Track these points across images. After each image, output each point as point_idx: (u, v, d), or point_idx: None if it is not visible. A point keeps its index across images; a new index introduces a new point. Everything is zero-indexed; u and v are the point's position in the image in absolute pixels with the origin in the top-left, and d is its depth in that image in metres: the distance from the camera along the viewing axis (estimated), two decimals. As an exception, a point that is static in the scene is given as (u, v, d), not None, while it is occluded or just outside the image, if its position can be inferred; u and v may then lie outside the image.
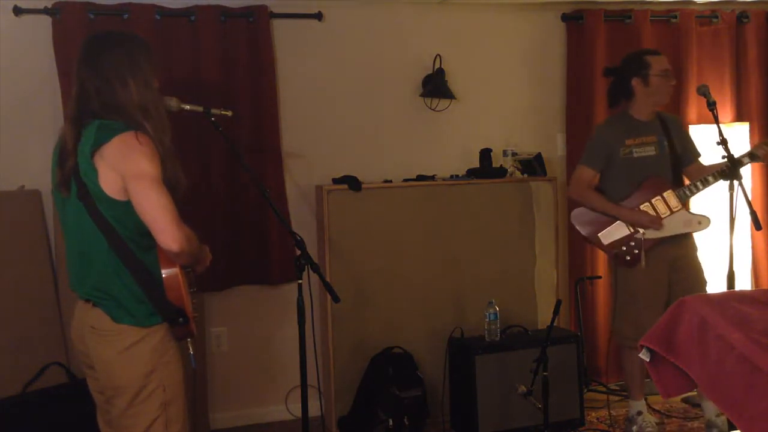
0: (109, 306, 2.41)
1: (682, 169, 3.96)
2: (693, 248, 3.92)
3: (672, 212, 3.82)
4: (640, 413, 3.98)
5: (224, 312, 4.37)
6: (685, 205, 3.85)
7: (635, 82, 3.85)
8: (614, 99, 4.00)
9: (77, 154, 2.37)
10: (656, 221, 3.80)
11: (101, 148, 2.34)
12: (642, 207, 3.84)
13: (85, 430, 2.73)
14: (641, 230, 3.83)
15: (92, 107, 2.43)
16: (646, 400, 4.07)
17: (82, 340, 2.51)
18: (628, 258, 3.87)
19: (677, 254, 3.85)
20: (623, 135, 3.88)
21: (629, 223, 3.86)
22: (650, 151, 3.86)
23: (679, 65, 4.79)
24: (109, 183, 2.35)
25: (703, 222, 3.83)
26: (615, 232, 3.91)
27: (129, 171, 2.34)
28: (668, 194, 3.81)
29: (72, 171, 2.39)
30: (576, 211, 4.06)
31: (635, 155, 3.86)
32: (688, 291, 3.52)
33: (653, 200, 3.83)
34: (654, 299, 3.81)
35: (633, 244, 3.86)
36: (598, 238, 3.95)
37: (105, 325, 2.42)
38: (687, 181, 3.93)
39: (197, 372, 3.96)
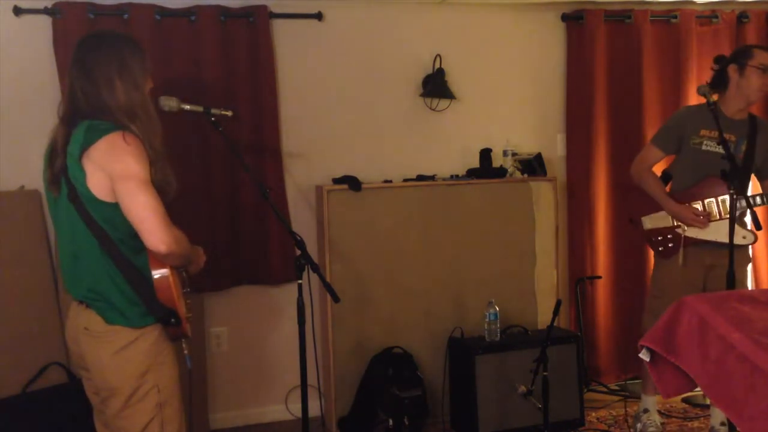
0: (102, 307, 2.41)
1: (761, 180, 3.78)
2: (737, 260, 3.52)
3: (721, 218, 3.70)
4: (646, 411, 3.96)
5: (224, 312, 4.37)
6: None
7: (731, 69, 3.74)
8: (712, 85, 3.79)
9: (66, 154, 2.37)
10: (701, 220, 3.70)
11: (89, 150, 2.33)
12: (695, 204, 3.75)
13: (84, 430, 2.73)
14: (683, 226, 3.76)
15: (81, 108, 2.42)
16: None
17: (76, 341, 2.50)
18: (661, 249, 3.82)
19: (715, 262, 3.71)
20: (701, 123, 3.73)
21: (675, 217, 3.79)
22: (721, 148, 3.63)
23: (679, 65, 4.79)
24: (97, 184, 2.34)
25: (747, 237, 3.67)
26: (659, 219, 3.85)
27: (116, 172, 2.33)
28: (723, 199, 3.70)
29: (61, 171, 2.38)
30: (626, 187, 4.04)
31: (704, 148, 3.72)
32: None
33: (707, 200, 3.74)
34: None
35: (671, 237, 3.80)
36: (642, 220, 3.90)
37: (98, 326, 2.42)
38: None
39: (196, 372, 3.97)
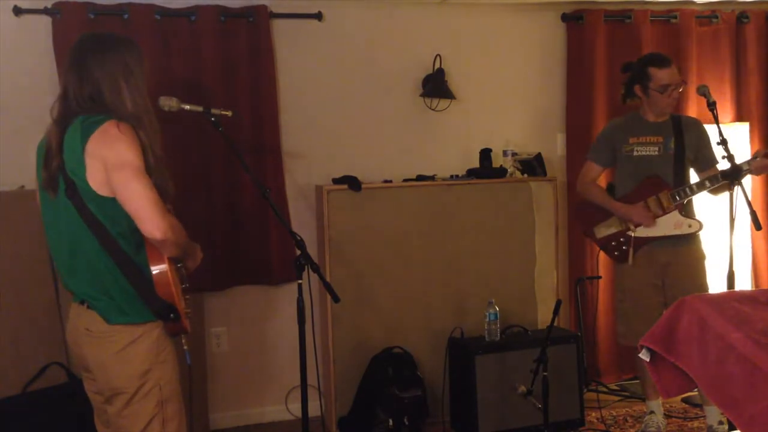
0: (102, 307, 2.41)
1: (688, 172, 3.92)
2: (692, 255, 3.89)
3: (664, 213, 3.82)
4: (651, 413, 3.99)
5: (224, 312, 4.37)
6: (678, 207, 3.82)
7: (637, 89, 3.89)
8: (624, 97, 4.02)
9: (63, 151, 2.37)
10: (647, 217, 3.82)
11: (87, 143, 2.33)
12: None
13: (84, 430, 2.73)
14: (632, 227, 3.87)
15: (76, 109, 2.41)
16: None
17: (77, 343, 2.51)
18: (616, 253, 3.96)
19: (670, 259, 3.85)
20: (628, 133, 3.92)
21: (622, 217, 3.92)
22: (652, 150, 3.86)
23: (679, 65, 4.77)
24: (96, 178, 2.34)
25: (693, 225, 3.82)
26: (609, 226, 3.98)
27: (111, 160, 2.33)
28: (663, 195, 3.81)
29: (58, 170, 2.38)
30: (576, 204, 4.19)
31: (635, 154, 3.89)
32: (682, 296, 3.52)
33: (648, 199, 3.84)
34: (643, 299, 3.84)
35: (623, 240, 3.92)
36: (593, 231, 4.05)
37: (100, 327, 2.42)
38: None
39: (196, 371, 3.97)
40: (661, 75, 3.82)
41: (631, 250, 3.88)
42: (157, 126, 2.51)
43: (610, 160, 4.01)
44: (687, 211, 3.86)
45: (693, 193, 3.79)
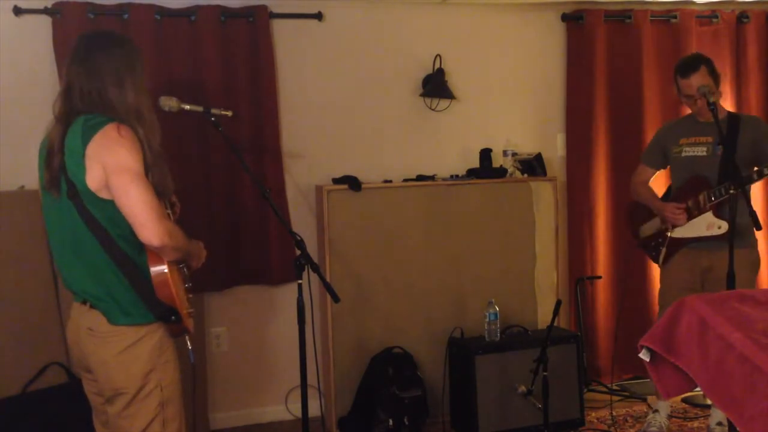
0: (105, 307, 2.41)
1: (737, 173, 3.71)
2: (738, 264, 3.40)
3: (700, 213, 3.77)
4: (656, 411, 3.98)
5: (224, 312, 4.37)
6: (713, 207, 3.72)
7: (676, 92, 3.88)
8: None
9: (64, 152, 2.37)
10: (676, 214, 3.78)
11: (88, 147, 2.33)
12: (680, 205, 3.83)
13: (84, 430, 2.73)
14: (670, 227, 3.85)
15: (77, 106, 2.42)
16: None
17: (77, 343, 2.50)
18: (653, 253, 3.96)
19: (711, 264, 3.74)
20: (679, 134, 3.89)
21: (657, 212, 3.92)
22: (701, 151, 3.80)
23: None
24: (95, 180, 2.34)
25: (722, 227, 3.71)
26: (651, 226, 3.99)
27: (110, 164, 2.33)
28: (702, 195, 3.75)
29: (60, 169, 2.38)
30: (629, 205, 4.21)
31: (684, 154, 3.85)
32: None
33: (689, 200, 3.80)
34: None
35: (660, 240, 3.91)
36: (639, 231, 4.08)
37: (102, 326, 2.42)
38: None
39: (197, 371, 3.96)
40: (681, 84, 3.78)
41: (663, 250, 3.86)
42: (157, 123, 2.52)
43: (661, 162, 3.99)
44: (723, 212, 3.70)
45: (728, 193, 3.62)
